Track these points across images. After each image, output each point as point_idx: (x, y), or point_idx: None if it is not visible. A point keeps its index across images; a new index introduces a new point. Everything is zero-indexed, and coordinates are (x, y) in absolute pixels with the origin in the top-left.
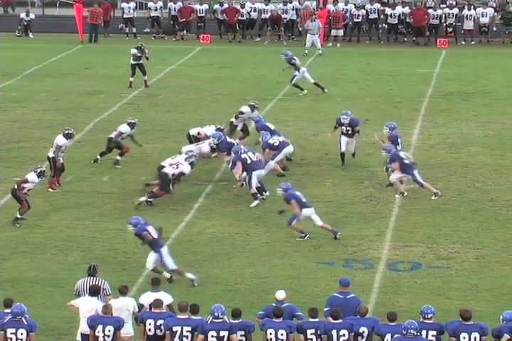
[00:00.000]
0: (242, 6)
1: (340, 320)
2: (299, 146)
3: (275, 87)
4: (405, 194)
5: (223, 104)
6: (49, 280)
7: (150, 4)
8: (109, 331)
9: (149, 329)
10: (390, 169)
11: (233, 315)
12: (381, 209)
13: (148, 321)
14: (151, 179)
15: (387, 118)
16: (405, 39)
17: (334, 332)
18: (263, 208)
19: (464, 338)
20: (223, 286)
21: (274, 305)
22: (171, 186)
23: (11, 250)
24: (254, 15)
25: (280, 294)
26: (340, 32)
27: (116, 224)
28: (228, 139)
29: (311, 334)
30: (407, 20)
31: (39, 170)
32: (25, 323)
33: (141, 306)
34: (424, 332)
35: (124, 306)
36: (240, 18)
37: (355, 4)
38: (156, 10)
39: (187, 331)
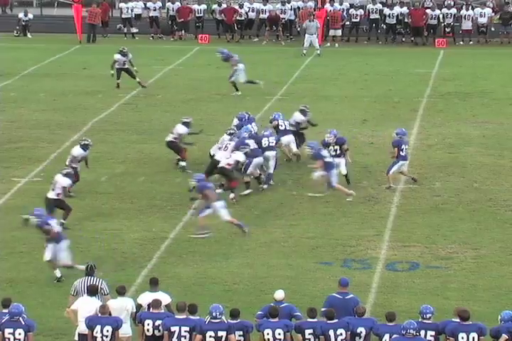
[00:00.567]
0: (241, 6)
1: (336, 320)
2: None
3: (273, 87)
4: (352, 196)
5: (221, 104)
6: (47, 281)
7: (149, 4)
8: (108, 331)
9: (148, 330)
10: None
11: (231, 315)
12: (379, 209)
13: (147, 321)
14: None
15: (385, 118)
16: (403, 39)
17: (331, 333)
18: (261, 208)
19: (463, 338)
20: (221, 286)
21: (272, 305)
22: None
23: (10, 250)
24: (252, 15)
25: (279, 294)
26: (339, 32)
27: (114, 224)
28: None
29: (309, 334)
30: (406, 20)
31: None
32: (23, 323)
33: (139, 306)
34: (422, 332)
35: (122, 306)
36: (238, 18)
37: (352, 4)
38: (154, 10)
39: (185, 331)
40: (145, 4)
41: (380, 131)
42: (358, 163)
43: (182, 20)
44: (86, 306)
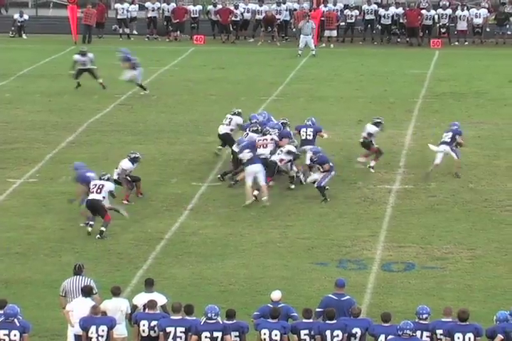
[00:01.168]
0: (236, 7)
1: (334, 321)
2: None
3: (268, 88)
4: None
5: (216, 104)
6: (42, 282)
7: (147, 4)
8: (103, 331)
9: (143, 330)
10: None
11: (227, 316)
12: (375, 209)
13: (142, 322)
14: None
15: None
16: (399, 40)
17: (328, 333)
18: (257, 209)
19: (459, 338)
20: (217, 287)
21: (270, 305)
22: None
23: (5, 251)
24: (247, 16)
25: (276, 294)
26: (334, 33)
27: (109, 224)
28: None
29: (305, 335)
30: (401, 20)
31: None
32: (18, 325)
33: (134, 307)
34: (418, 333)
35: (117, 307)
36: (233, 19)
37: (347, 5)
38: (153, 10)
39: (181, 332)
40: (142, 5)
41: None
42: (353, 163)
43: (177, 21)
44: (81, 307)
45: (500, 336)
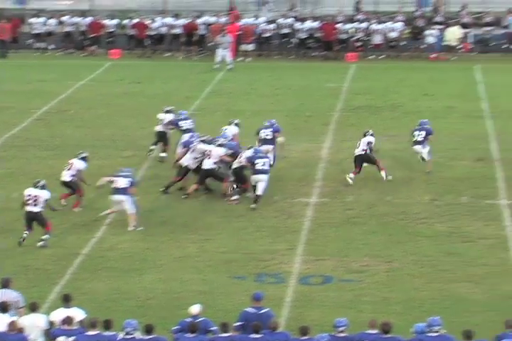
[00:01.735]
0: (152, 21)
1: (259, 335)
2: None
3: (185, 102)
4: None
5: (133, 119)
6: None
7: (63, 19)
8: None
9: None
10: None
11: (146, 331)
12: (292, 223)
13: (60, 338)
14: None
15: (297, 132)
16: (314, 54)
17: None
18: (175, 223)
19: None
20: (135, 302)
21: (188, 320)
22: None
23: None
24: (163, 30)
25: (194, 309)
26: (250, 47)
27: (27, 240)
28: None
29: None
30: (317, 34)
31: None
32: None
33: (52, 323)
34: None
35: (34, 323)
36: (149, 33)
37: (263, 19)
38: (68, 25)
39: None
40: (59, 20)
41: (293, 145)
42: (272, 177)
43: (94, 35)
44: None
45: None
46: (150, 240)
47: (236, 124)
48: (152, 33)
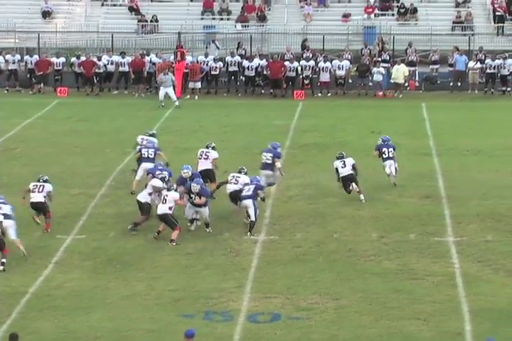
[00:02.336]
0: (99, 59)
1: None
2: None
3: (134, 140)
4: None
5: (81, 157)
6: None
7: (8, 57)
8: None
9: None
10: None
11: None
12: (240, 260)
13: None
14: None
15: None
16: (263, 91)
17: None
18: (123, 261)
19: None
20: None
21: None
22: None
23: None
24: (111, 68)
25: None
26: (198, 84)
27: None
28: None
29: None
30: (264, 72)
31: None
32: None
33: None
34: None
35: None
36: (97, 70)
37: (210, 57)
38: (13, 63)
39: None
40: (4, 57)
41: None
42: (220, 213)
43: (41, 73)
44: None
45: None
46: (98, 278)
47: (213, 148)
48: (99, 70)
